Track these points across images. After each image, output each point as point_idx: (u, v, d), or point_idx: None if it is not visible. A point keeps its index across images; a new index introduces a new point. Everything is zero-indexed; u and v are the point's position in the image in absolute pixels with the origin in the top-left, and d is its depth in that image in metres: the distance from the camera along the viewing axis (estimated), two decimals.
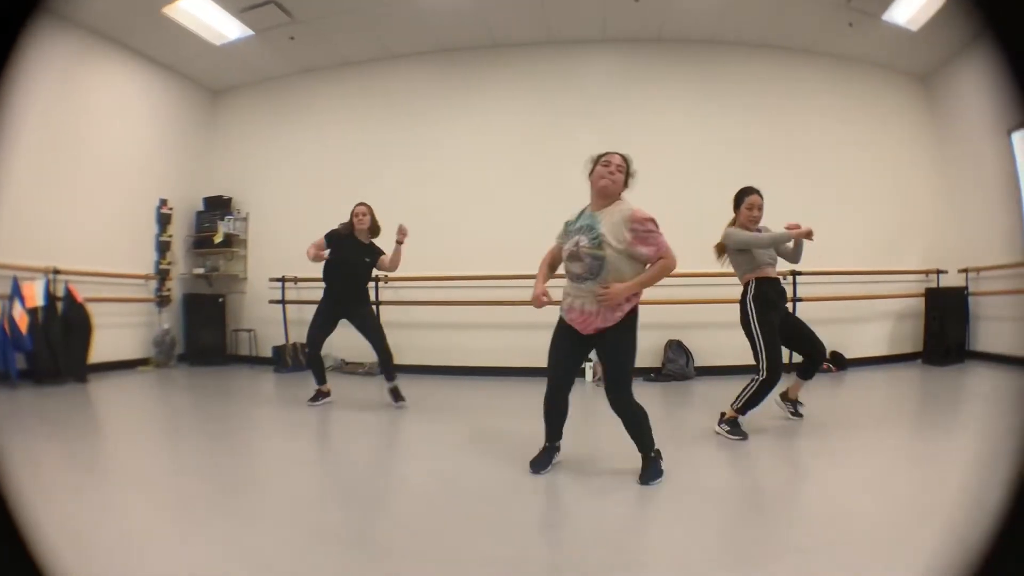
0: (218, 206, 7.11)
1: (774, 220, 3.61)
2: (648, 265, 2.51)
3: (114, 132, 6.17)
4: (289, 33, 6.07)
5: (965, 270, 6.14)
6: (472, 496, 2.43)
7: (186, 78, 6.95)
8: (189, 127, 7.10)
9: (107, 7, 5.41)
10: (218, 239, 6.96)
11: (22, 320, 4.86)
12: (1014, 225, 5.31)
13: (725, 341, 5.82)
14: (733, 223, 3.54)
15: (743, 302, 3.45)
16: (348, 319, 4.30)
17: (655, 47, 6.32)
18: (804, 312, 4.34)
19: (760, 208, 3.48)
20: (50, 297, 5.18)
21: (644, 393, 4.56)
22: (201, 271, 7.06)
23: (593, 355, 2.76)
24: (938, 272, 6.29)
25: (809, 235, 3.35)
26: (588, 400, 4.54)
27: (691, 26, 6.05)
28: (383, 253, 4.31)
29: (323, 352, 4.24)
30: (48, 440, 3.33)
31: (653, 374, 5.62)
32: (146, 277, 6.52)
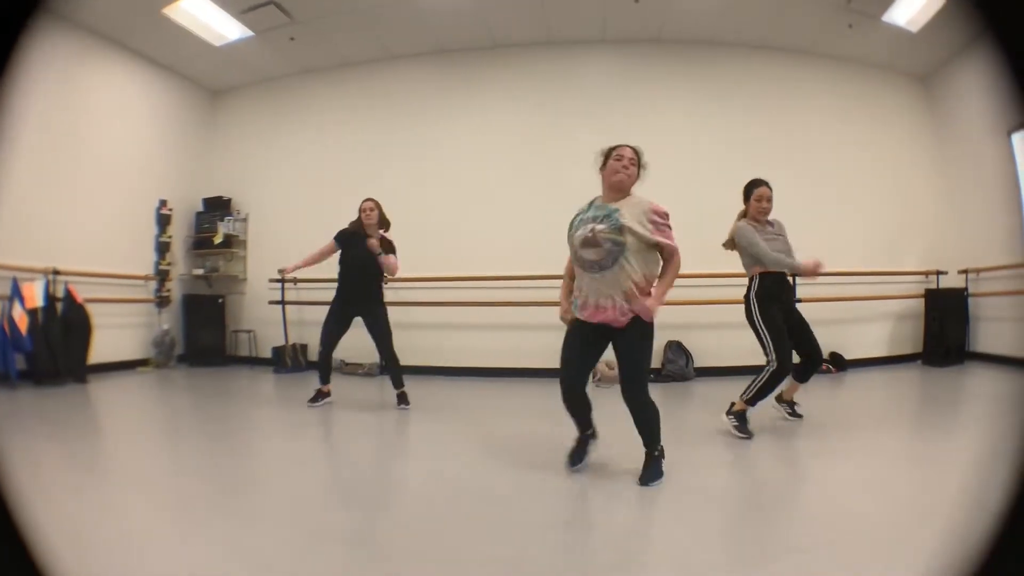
0: (218, 207, 7.11)
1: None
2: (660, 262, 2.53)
3: (114, 132, 6.17)
4: (289, 34, 6.08)
5: (965, 271, 6.14)
6: (472, 496, 2.42)
7: (186, 79, 6.95)
8: (189, 128, 7.10)
9: (107, 7, 5.41)
10: (218, 240, 6.96)
11: (22, 321, 4.86)
12: (1014, 226, 5.31)
13: (725, 342, 5.84)
14: (743, 215, 3.54)
15: (747, 297, 3.46)
16: (361, 317, 4.27)
17: (655, 47, 6.33)
18: (803, 313, 4.34)
19: (769, 200, 3.48)
20: (50, 298, 5.18)
21: None
22: (201, 272, 7.06)
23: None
24: (938, 273, 6.29)
25: (814, 274, 3.33)
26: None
27: (691, 27, 6.05)
28: (394, 251, 4.28)
29: None
30: (48, 440, 3.32)
31: (653, 375, 5.62)
32: (146, 278, 6.52)
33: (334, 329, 4.28)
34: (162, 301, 6.68)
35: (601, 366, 3.37)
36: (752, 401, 3.37)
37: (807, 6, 5.59)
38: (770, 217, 3.54)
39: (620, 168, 2.52)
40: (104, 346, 5.61)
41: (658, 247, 2.49)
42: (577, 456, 2.74)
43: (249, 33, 6.01)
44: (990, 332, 5.94)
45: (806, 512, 2.28)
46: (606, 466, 2.77)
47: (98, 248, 5.90)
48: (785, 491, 2.61)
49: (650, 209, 2.49)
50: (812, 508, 2.31)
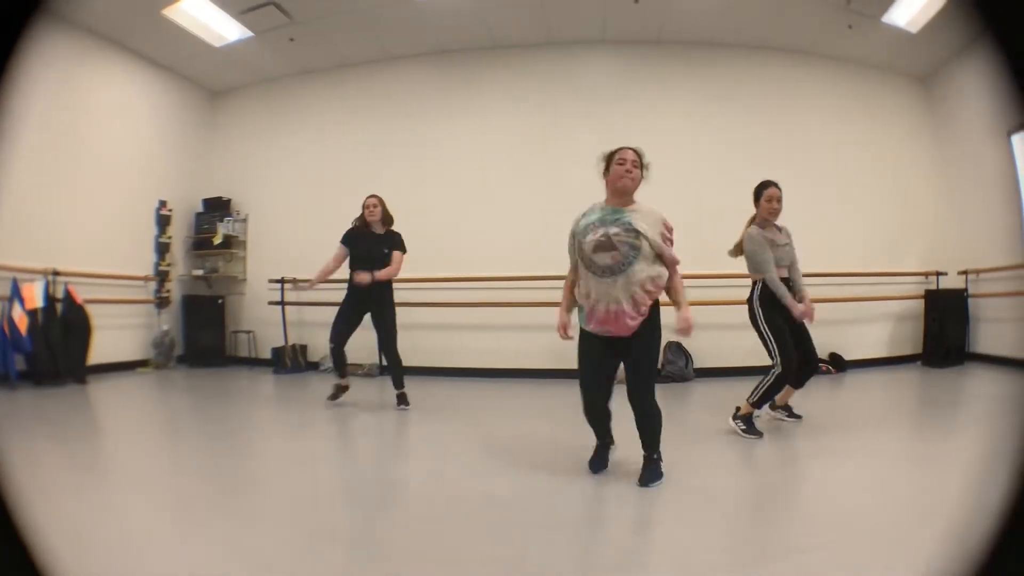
0: (217, 207, 7.11)
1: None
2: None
3: (114, 133, 6.17)
4: (289, 34, 6.08)
5: (965, 272, 6.14)
6: (472, 497, 2.42)
7: (186, 79, 6.95)
8: (189, 128, 7.10)
9: (107, 8, 5.41)
10: (217, 240, 6.96)
11: (22, 321, 4.85)
12: (1014, 227, 5.31)
13: (724, 343, 5.83)
14: (754, 219, 3.55)
15: (750, 300, 3.47)
16: (370, 313, 4.26)
17: (655, 48, 6.33)
18: None
19: (780, 200, 3.49)
20: (49, 298, 5.17)
21: None
22: (200, 272, 7.06)
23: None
24: (938, 274, 6.29)
25: (804, 318, 3.40)
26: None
27: (691, 27, 6.05)
28: (401, 245, 4.27)
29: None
30: (48, 441, 3.32)
31: (652, 389, 5.60)
32: (145, 278, 6.52)
33: (343, 329, 4.26)
34: (162, 302, 6.67)
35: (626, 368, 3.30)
36: (758, 404, 3.37)
37: (807, 7, 5.59)
38: (779, 223, 3.54)
39: (624, 173, 2.51)
40: (104, 347, 5.61)
41: (671, 264, 2.54)
42: (599, 463, 2.69)
43: (249, 34, 6.01)
44: (990, 333, 5.93)
45: (806, 512, 2.28)
46: (606, 467, 2.77)
47: (98, 249, 5.90)
48: (785, 491, 2.61)
49: (662, 221, 2.52)
50: (812, 508, 2.31)
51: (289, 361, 6.47)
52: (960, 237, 6.24)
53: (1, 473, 0.82)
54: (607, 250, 2.44)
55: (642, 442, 2.59)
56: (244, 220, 7.11)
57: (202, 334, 6.88)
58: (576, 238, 2.58)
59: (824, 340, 6.06)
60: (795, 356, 3.36)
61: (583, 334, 2.60)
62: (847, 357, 5.95)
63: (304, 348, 6.66)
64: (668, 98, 6.26)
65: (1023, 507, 0.70)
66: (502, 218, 6.23)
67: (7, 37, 0.74)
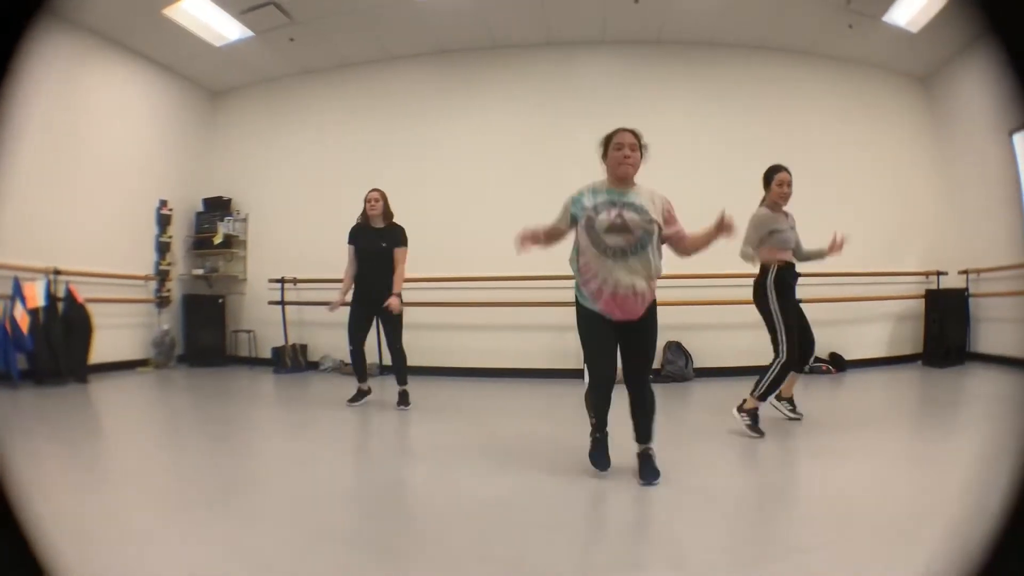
0: (218, 207, 7.11)
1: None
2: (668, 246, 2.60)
3: (114, 132, 6.17)
4: (289, 34, 6.08)
5: (965, 271, 6.13)
6: (472, 497, 2.42)
7: (186, 79, 6.95)
8: (189, 128, 7.10)
9: (108, 8, 5.42)
10: (218, 240, 6.96)
11: (23, 320, 4.86)
12: (1015, 226, 5.30)
13: (724, 343, 5.84)
14: (763, 201, 3.57)
15: (762, 284, 3.47)
16: (376, 309, 4.26)
17: (655, 48, 6.33)
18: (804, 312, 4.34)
19: (790, 184, 3.53)
20: (51, 297, 5.18)
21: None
22: (201, 272, 7.06)
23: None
24: (938, 274, 6.29)
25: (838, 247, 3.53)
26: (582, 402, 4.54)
27: (691, 27, 6.05)
28: (403, 239, 4.27)
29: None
30: (49, 440, 3.32)
31: (652, 375, 5.60)
32: (146, 278, 6.52)
33: (357, 335, 4.26)
34: (162, 301, 6.68)
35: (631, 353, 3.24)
36: (764, 396, 3.36)
37: (807, 7, 5.59)
38: (786, 209, 3.58)
39: (623, 159, 2.50)
40: (104, 346, 5.61)
41: (677, 235, 2.55)
42: (603, 458, 2.61)
43: (249, 33, 6.01)
44: (991, 333, 5.93)
45: (806, 512, 2.28)
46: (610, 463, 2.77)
47: (99, 248, 5.90)
48: (785, 491, 2.61)
49: (665, 207, 2.54)
50: (812, 508, 2.31)
51: (289, 361, 6.47)
52: (961, 237, 6.24)
53: (3, 472, 0.82)
54: (621, 232, 2.42)
55: (639, 433, 2.58)
56: (244, 220, 7.11)
57: (202, 333, 6.88)
58: (584, 213, 2.50)
59: (824, 340, 6.03)
60: (797, 346, 3.37)
61: (587, 313, 2.53)
62: (847, 357, 5.95)
63: (304, 348, 6.66)
64: (668, 98, 6.26)
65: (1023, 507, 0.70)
66: (502, 218, 6.19)
67: (9, 37, 0.74)
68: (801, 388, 3.70)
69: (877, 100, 6.44)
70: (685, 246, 2.58)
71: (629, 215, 2.44)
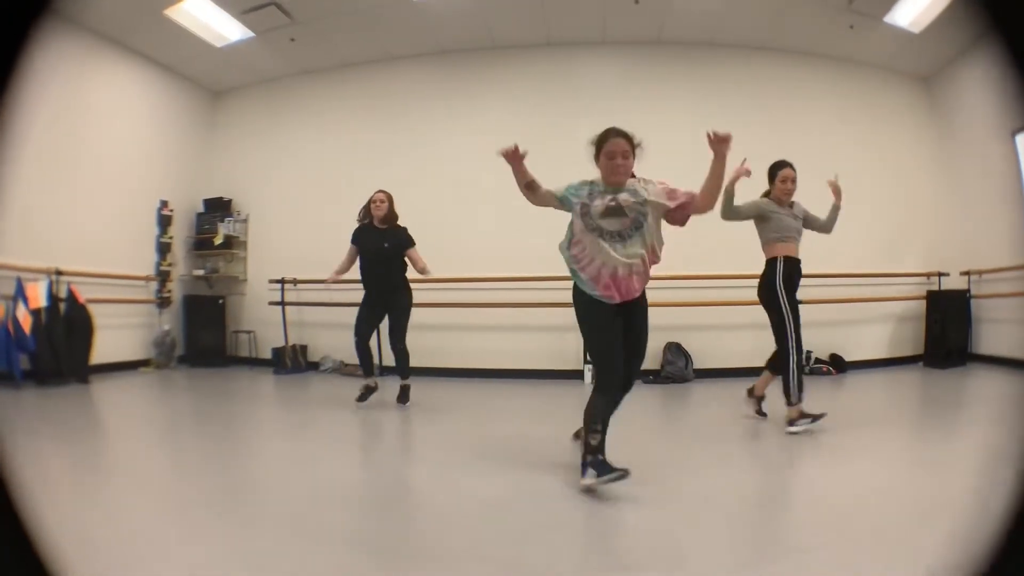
0: (218, 208, 7.11)
1: None
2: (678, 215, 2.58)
3: (115, 133, 6.18)
4: (289, 35, 6.08)
5: (967, 272, 6.12)
6: (472, 497, 2.42)
7: (187, 79, 6.96)
8: (190, 128, 7.11)
9: (110, 8, 5.42)
10: (218, 241, 6.97)
11: (26, 320, 4.86)
12: (1018, 227, 5.30)
13: (724, 343, 5.84)
14: (767, 195, 3.61)
15: (769, 280, 3.49)
16: (388, 306, 4.28)
17: (655, 48, 6.33)
18: (804, 313, 4.34)
19: (793, 181, 3.56)
20: (53, 298, 5.19)
21: (643, 395, 4.57)
22: (201, 272, 7.06)
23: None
24: (939, 275, 6.28)
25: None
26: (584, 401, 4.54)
27: (691, 28, 6.04)
28: (412, 243, 4.29)
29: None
30: (51, 440, 3.32)
31: (652, 376, 5.61)
32: (147, 278, 6.52)
33: (366, 321, 4.28)
34: (163, 302, 6.68)
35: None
36: (800, 397, 3.36)
37: (808, 7, 5.58)
38: (793, 200, 3.61)
39: (615, 168, 2.50)
40: (105, 346, 5.62)
41: (689, 197, 2.54)
42: (610, 467, 2.36)
43: (250, 34, 6.02)
44: (993, 334, 5.92)
45: (806, 513, 2.28)
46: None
47: (100, 248, 5.91)
48: (785, 492, 2.61)
49: (660, 186, 2.56)
50: (812, 509, 2.30)
51: (289, 361, 6.47)
52: (963, 238, 6.22)
53: (6, 472, 0.82)
54: (617, 215, 2.45)
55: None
56: (245, 220, 7.11)
57: (203, 334, 6.89)
58: (578, 201, 2.53)
59: (824, 341, 6.07)
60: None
61: (588, 300, 2.51)
62: (847, 358, 5.94)
63: (304, 348, 6.66)
64: (668, 98, 6.25)
65: None
66: (502, 218, 6.22)
67: (12, 38, 0.74)
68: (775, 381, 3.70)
69: (878, 101, 6.43)
70: (703, 198, 2.55)
71: (623, 197, 2.48)
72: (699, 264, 5.49)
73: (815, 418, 3.33)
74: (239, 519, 2.16)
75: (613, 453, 2.65)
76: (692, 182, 2.69)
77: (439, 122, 6.57)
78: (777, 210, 3.53)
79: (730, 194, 3.41)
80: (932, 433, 3.62)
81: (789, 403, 3.38)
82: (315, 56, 6.61)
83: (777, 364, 3.64)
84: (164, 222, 6.73)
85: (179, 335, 6.84)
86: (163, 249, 6.72)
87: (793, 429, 3.35)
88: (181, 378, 6.09)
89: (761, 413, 3.76)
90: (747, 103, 6.24)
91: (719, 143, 2.44)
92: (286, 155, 7.04)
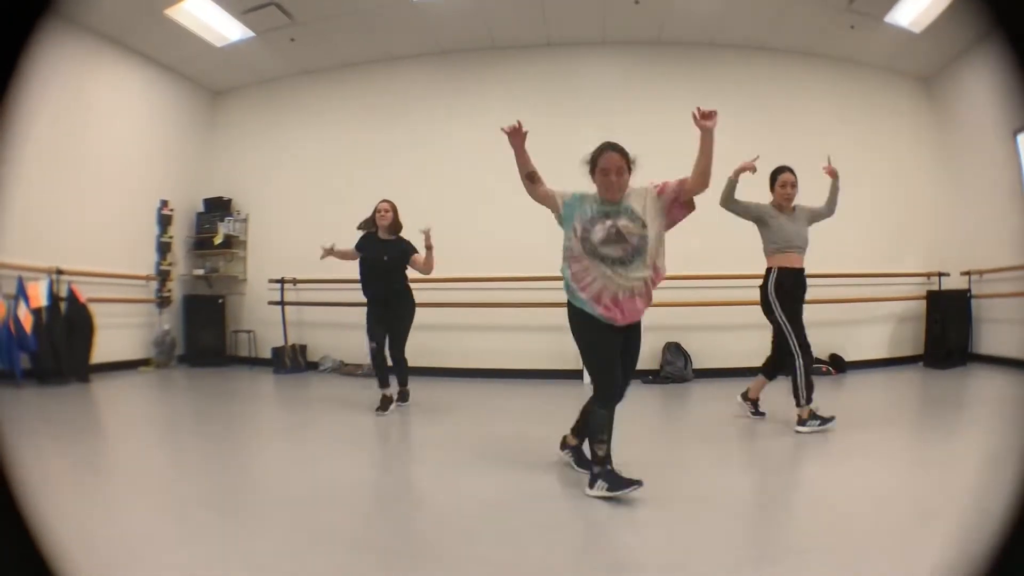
0: (218, 207, 7.11)
1: None
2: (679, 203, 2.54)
3: (115, 133, 6.18)
4: (290, 35, 6.08)
5: (968, 272, 6.12)
6: (472, 498, 2.42)
7: (187, 79, 6.95)
8: (190, 128, 7.11)
9: (110, 8, 5.42)
10: (218, 240, 6.97)
11: (27, 320, 4.87)
12: (1019, 227, 5.29)
13: (723, 343, 5.83)
14: (771, 203, 3.62)
15: (764, 291, 3.52)
16: (391, 311, 4.26)
17: (655, 48, 6.32)
18: (804, 313, 4.34)
19: (793, 185, 3.56)
20: (53, 297, 5.19)
21: (643, 395, 4.56)
22: (201, 272, 7.06)
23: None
24: (940, 275, 6.28)
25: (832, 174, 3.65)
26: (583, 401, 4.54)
27: (691, 28, 6.04)
28: (414, 251, 4.26)
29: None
30: (52, 439, 3.32)
31: (651, 376, 5.61)
32: (147, 278, 6.53)
33: (377, 330, 4.22)
34: (163, 301, 6.68)
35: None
36: (809, 399, 3.39)
37: (808, 7, 5.58)
38: (795, 203, 3.60)
39: (610, 184, 2.45)
40: (106, 346, 5.62)
41: (680, 185, 2.50)
42: (625, 480, 2.33)
43: (250, 34, 6.02)
44: (993, 334, 5.92)
45: (806, 514, 2.28)
46: None
47: (100, 248, 5.91)
48: (784, 493, 2.61)
49: (651, 188, 2.51)
50: (812, 510, 2.31)
51: (289, 361, 6.47)
52: (963, 238, 6.22)
53: (8, 470, 0.83)
54: (618, 242, 2.41)
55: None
56: (244, 220, 7.11)
57: (203, 334, 6.89)
58: (579, 224, 2.48)
59: (824, 341, 6.06)
60: (807, 339, 3.39)
61: (586, 317, 2.47)
62: (847, 358, 5.94)
63: (304, 348, 6.66)
64: (668, 98, 6.24)
65: None
66: (502, 218, 6.22)
67: (14, 38, 0.74)
68: (768, 385, 3.71)
69: (878, 101, 6.43)
70: (695, 179, 2.50)
71: (623, 223, 2.42)
72: (698, 264, 5.49)
73: (824, 420, 3.35)
74: (239, 519, 2.16)
75: (612, 453, 2.66)
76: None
77: (439, 122, 6.57)
78: (777, 216, 3.53)
79: (732, 183, 3.45)
80: (932, 433, 3.62)
81: (798, 404, 3.41)
82: (315, 56, 6.61)
83: (770, 369, 3.69)
84: (164, 222, 6.73)
85: (179, 334, 6.84)
86: (163, 249, 6.72)
87: (801, 429, 3.36)
88: (181, 377, 6.10)
89: (758, 413, 3.78)
90: (747, 103, 6.23)
91: (705, 119, 2.45)
92: (286, 155, 7.04)
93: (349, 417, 4.15)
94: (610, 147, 2.52)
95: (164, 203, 6.75)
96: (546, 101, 6.35)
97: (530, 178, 2.60)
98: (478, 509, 2.28)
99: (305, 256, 6.64)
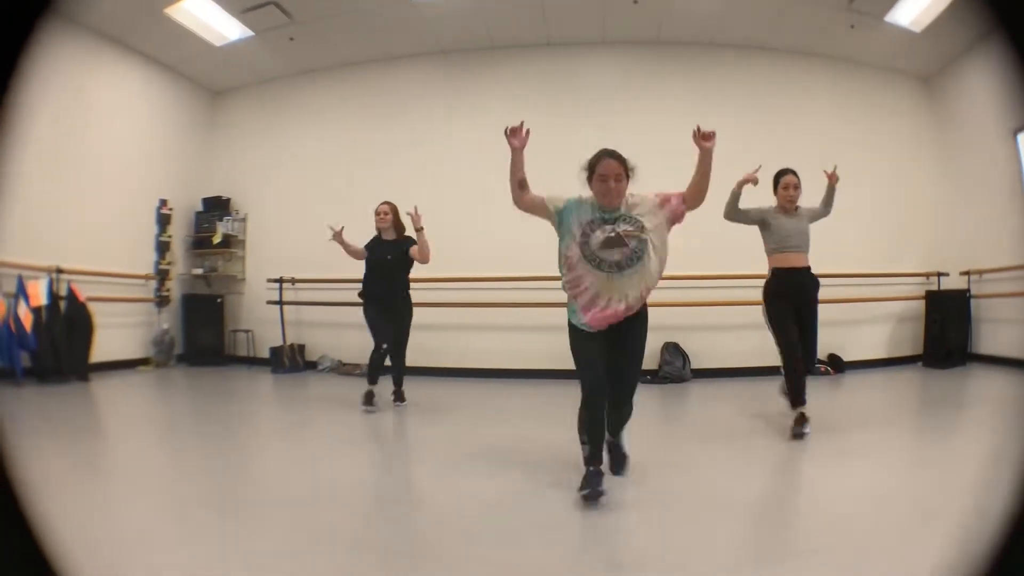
0: (217, 207, 7.11)
1: None
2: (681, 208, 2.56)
3: (115, 132, 6.17)
4: (289, 34, 6.08)
5: (967, 272, 6.12)
6: (472, 498, 2.42)
7: (186, 78, 6.95)
8: (189, 127, 7.10)
9: (110, 8, 5.41)
10: (217, 240, 6.97)
11: (27, 318, 4.87)
12: (1018, 227, 5.29)
13: (722, 344, 5.83)
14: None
15: (762, 291, 3.53)
16: (391, 313, 4.27)
17: (655, 48, 6.32)
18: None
19: (795, 187, 3.55)
20: (53, 296, 5.19)
21: (641, 395, 4.56)
22: (200, 271, 7.06)
23: None
24: (939, 275, 6.28)
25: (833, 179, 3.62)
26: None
27: (691, 28, 6.04)
28: (413, 243, 4.28)
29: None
30: (52, 438, 3.32)
31: (649, 376, 5.59)
32: (146, 277, 6.52)
33: (384, 330, 4.24)
34: (162, 300, 6.68)
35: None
36: (794, 403, 3.34)
37: (808, 7, 5.58)
38: (798, 204, 3.58)
39: (607, 191, 2.44)
40: (105, 345, 5.62)
41: (679, 198, 2.52)
42: (598, 490, 2.29)
43: (249, 33, 6.01)
44: (993, 334, 5.91)
45: (805, 514, 2.28)
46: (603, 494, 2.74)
47: (100, 247, 5.90)
48: (784, 494, 2.61)
49: (655, 203, 2.50)
50: (811, 510, 2.31)
51: (287, 361, 6.47)
52: (963, 237, 6.21)
53: (8, 469, 0.83)
54: (618, 246, 2.39)
55: (610, 430, 2.56)
56: (243, 219, 7.10)
57: (201, 333, 6.89)
58: (578, 230, 2.47)
59: (823, 341, 6.01)
60: (798, 347, 3.36)
61: (579, 333, 2.48)
62: (846, 358, 5.94)
63: (302, 348, 6.66)
64: (668, 98, 6.25)
65: None
66: (502, 218, 6.18)
67: (14, 38, 0.74)
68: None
69: (879, 101, 6.42)
70: (692, 196, 2.52)
71: (623, 228, 2.42)
72: (698, 264, 5.48)
73: (798, 426, 3.30)
74: (239, 519, 2.16)
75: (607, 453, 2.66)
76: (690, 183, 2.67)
77: (439, 122, 6.56)
78: (778, 217, 3.52)
79: (735, 195, 3.43)
80: (932, 433, 3.63)
81: (792, 409, 3.38)
82: (315, 56, 6.60)
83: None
84: (163, 221, 6.73)
85: (178, 334, 6.84)
86: (162, 248, 6.72)
87: (797, 431, 3.33)
88: (179, 377, 6.10)
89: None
90: (747, 103, 6.23)
91: (704, 140, 2.46)
92: (285, 154, 7.03)
93: (348, 417, 4.14)
94: (608, 154, 2.51)
95: (163, 202, 6.74)
96: (546, 101, 6.34)
97: (522, 186, 2.59)
98: (478, 509, 2.28)
99: (304, 256, 6.67)
